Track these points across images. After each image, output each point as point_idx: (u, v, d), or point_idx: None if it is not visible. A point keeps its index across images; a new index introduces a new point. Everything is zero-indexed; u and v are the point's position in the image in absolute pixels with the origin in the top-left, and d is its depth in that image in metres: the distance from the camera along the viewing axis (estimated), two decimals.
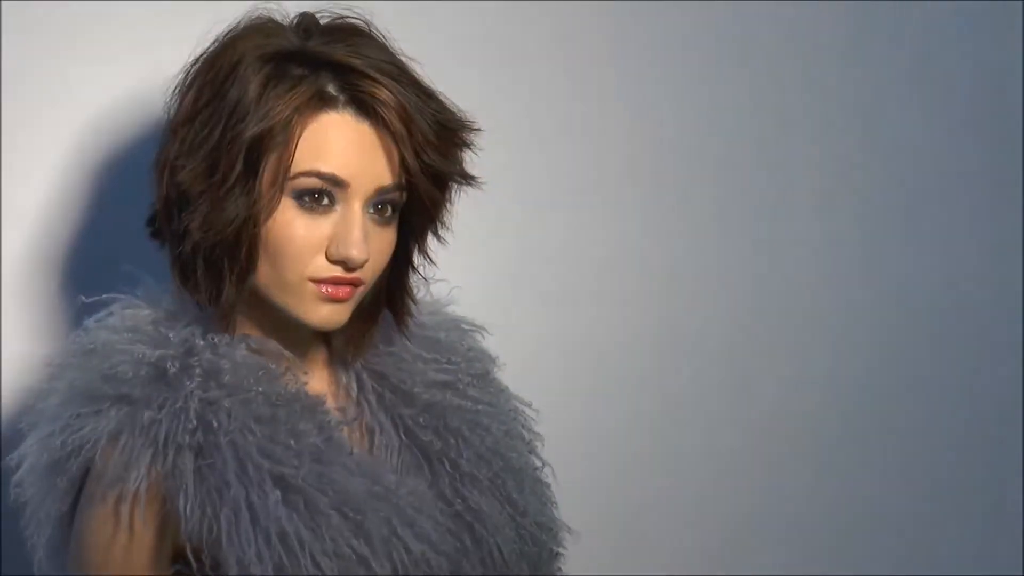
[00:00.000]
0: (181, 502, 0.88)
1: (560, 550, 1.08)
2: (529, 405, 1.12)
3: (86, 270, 1.22)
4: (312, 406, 0.97)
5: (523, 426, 1.11)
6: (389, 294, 1.03)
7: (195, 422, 0.90)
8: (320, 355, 1.03)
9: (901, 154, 1.95)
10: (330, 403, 1.01)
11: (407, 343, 1.07)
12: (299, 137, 0.91)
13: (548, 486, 1.09)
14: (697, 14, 1.69)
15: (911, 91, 1.93)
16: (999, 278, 2.02)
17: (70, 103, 1.25)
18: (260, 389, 0.94)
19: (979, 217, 2.00)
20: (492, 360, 1.14)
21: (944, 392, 1.88)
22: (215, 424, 0.90)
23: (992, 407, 1.92)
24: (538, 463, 1.10)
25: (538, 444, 1.11)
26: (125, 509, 0.89)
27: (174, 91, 0.95)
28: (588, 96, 1.60)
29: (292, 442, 0.92)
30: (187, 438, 0.89)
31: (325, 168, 0.92)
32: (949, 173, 1.97)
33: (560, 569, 1.08)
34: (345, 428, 0.99)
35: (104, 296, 0.99)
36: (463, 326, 1.14)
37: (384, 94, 0.91)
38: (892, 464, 1.90)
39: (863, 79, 1.86)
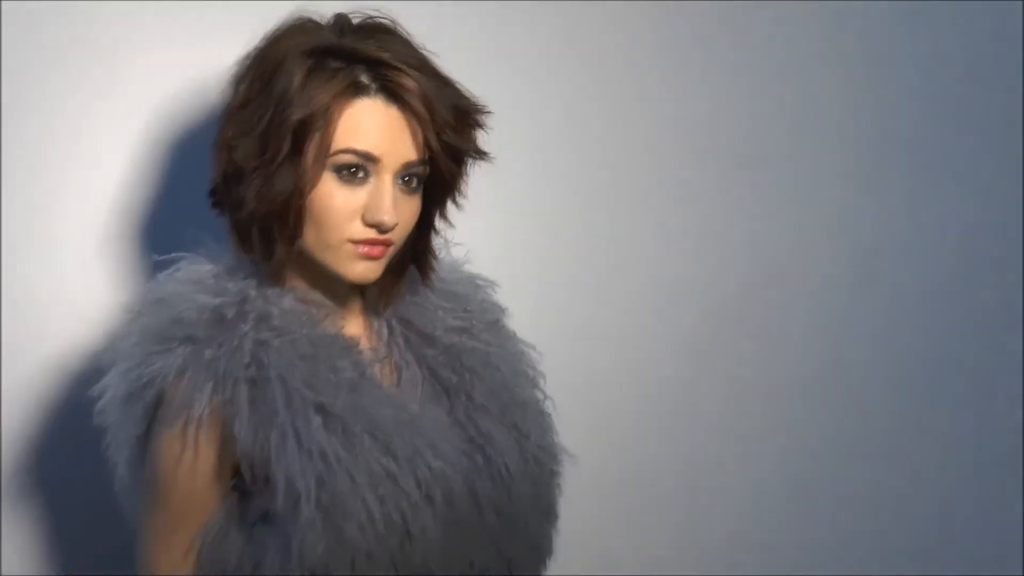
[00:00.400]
0: (237, 426, 0.98)
1: (558, 469, 1.18)
2: (533, 348, 1.22)
3: (158, 234, 1.34)
4: (348, 347, 1.06)
5: (528, 366, 1.21)
6: (415, 253, 1.12)
7: (249, 359, 1.00)
8: (356, 304, 1.13)
9: (909, 155, 1.96)
10: (364, 345, 1.10)
11: (429, 294, 1.17)
12: (337, 120, 1.00)
13: (549, 416, 1.19)
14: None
15: (912, 88, 1.93)
16: (1000, 279, 2.01)
17: (144, 92, 1.37)
18: (304, 332, 1.04)
19: (980, 217, 2.00)
20: (502, 310, 1.24)
21: (946, 392, 1.90)
22: (265, 361, 1.00)
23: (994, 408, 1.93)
24: (540, 396, 1.20)
25: (540, 381, 1.22)
26: (191, 432, 0.99)
27: (229, 82, 1.05)
28: (591, 80, 1.68)
29: (331, 376, 1.02)
30: (242, 372, 0.99)
31: (360, 146, 1.01)
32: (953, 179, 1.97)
33: (559, 486, 1.18)
34: (376, 365, 1.09)
35: (173, 255, 1.10)
36: (477, 282, 1.24)
37: (409, 83, 1.00)
38: (894, 461, 1.90)
39: (873, 79, 1.90)
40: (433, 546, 1.05)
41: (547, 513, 1.16)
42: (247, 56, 1.05)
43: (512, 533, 1.11)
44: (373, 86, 1.02)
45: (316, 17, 1.06)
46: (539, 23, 1.62)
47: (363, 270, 1.05)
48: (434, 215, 1.12)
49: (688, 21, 1.72)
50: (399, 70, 1.02)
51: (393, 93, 1.02)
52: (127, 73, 1.37)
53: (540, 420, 1.19)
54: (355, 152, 1.02)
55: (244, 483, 1.03)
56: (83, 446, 1.19)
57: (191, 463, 1.02)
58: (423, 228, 1.12)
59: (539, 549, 1.17)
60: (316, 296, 1.09)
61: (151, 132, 1.37)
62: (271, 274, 1.06)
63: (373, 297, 1.14)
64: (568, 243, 1.62)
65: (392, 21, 1.06)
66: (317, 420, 1.00)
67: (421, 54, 1.06)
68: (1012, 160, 1.98)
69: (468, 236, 1.21)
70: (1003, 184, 2.00)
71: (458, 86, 1.07)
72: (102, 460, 1.17)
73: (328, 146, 1.01)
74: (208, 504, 1.05)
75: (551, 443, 1.19)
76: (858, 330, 1.87)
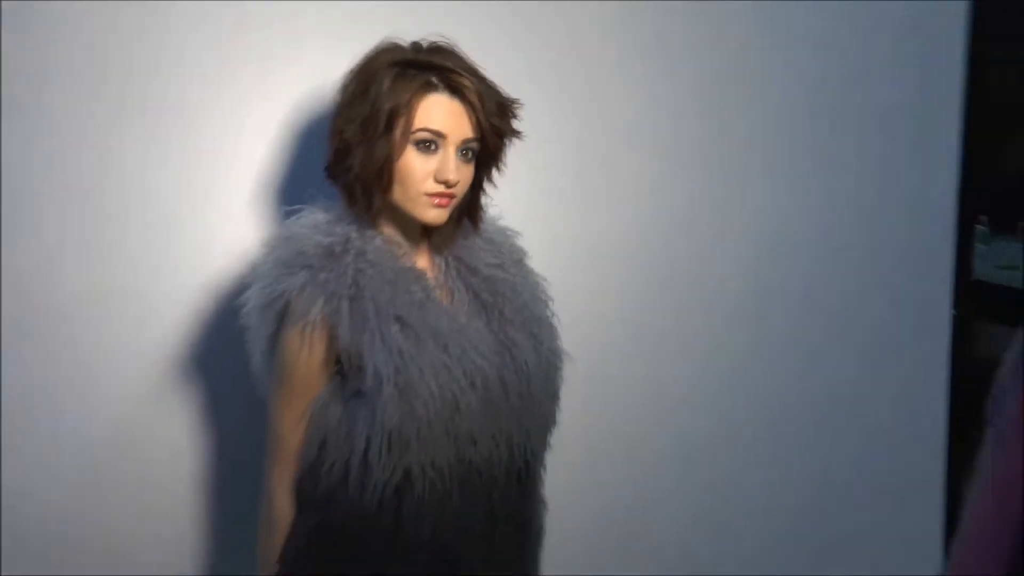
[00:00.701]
0: (340, 330, 1.30)
1: (560, 366, 1.49)
2: (545, 280, 1.54)
3: (289, 192, 1.69)
4: (419, 276, 1.38)
5: (541, 292, 1.52)
6: (468, 209, 1.45)
7: (350, 282, 1.31)
8: (424, 245, 1.44)
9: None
10: (429, 275, 1.41)
11: (476, 239, 1.48)
12: (416, 109, 1.33)
13: (556, 328, 1.50)
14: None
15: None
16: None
17: (284, 92, 1.72)
18: (388, 264, 1.36)
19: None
20: (524, 253, 1.54)
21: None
22: (361, 284, 1.32)
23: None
24: (550, 314, 1.51)
25: (550, 303, 1.52)
26: (307, 332, 1.30)
27: (338, 89, 1.39)
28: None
29: (406, 297, 1.34)
30: (345, 292, 1.31)
31: (432, 126, 1.33)
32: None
33: (561, 379, 1.49)
34: (437, 290, 1.40)
35: (297, 207, 1.43)
36: (507, 232, 1.55)
37: (466, 83, 1.34)
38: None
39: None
40: (474, 418, 1.35)
41: (554, 396, 1.47)
42: (350, 70, 1.39)
43: (529, 410, 1.41)
44: (440, 84, 1.34)
45: (398, 42, 1.39)
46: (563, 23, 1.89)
47: (435, 215, 1.37)
48: (483, 180, 1.44)
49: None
50: (458, 74, 1.34)
51: (455, 89, 1.34)
52: (273, 76, 1.72)
53: (550, 331, 1.49)
54: (429, 131, 1.34)
55: (343, 370, 1.34)
56: (233, 341, 1.54)
57: (307, 354, 1.32)
58: (475, 190, 1.44)
59: (547, 422, 1.48)
60: (398, 238, 1.40)
61: (288, 121, 1.72)
62: (368, 221, 1.37)
63: (437, 240, 1.45)
64: (575, 200, 1.93)
65: (451, 43, 1.39)
66: (396, 327, 1.32)
67: (472, 65, 1.38)
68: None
69: (500, 199, 1.53)
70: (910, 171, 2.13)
71: (498, 87, 1.39)
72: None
73: (410, 127, 1.33)
74: (317, 384, 1.35)
75: (557, 347, 1.49)
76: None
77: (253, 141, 1.73)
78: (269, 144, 1.73)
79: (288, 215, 1.45)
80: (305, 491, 1.38)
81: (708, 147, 2.01)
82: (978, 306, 2.13)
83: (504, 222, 1.58)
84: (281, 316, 1.34)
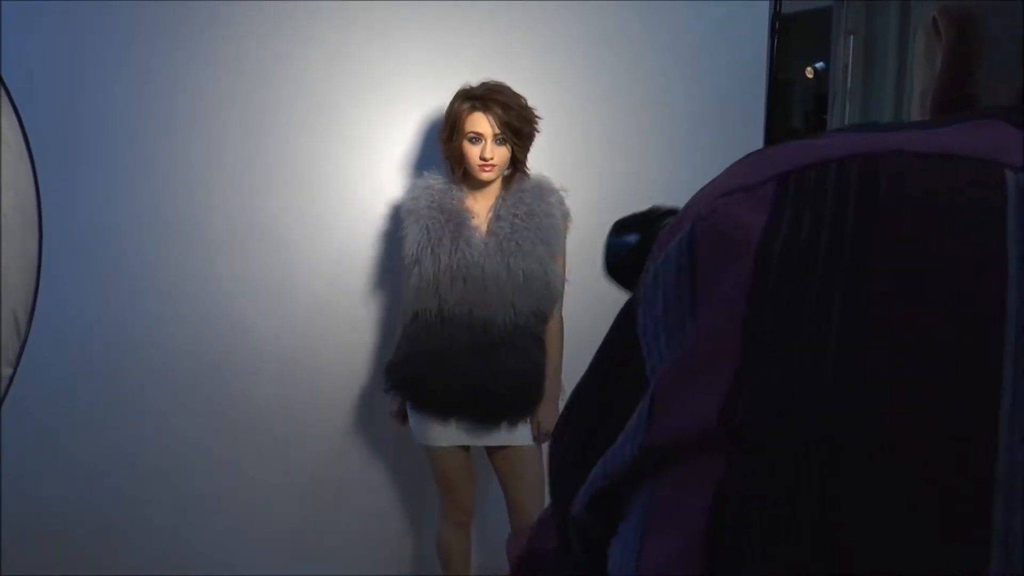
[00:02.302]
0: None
1: (529, 279, 2.58)
2: (553, 228, 2.64)
3: (423, 164, 2.92)
4: (470, 213, 2.63)
5: (540, 238, 2.60)
6: (509, 177, 2.67)
7: (438, 213, 2.64)
8: (485, 194, 2.67)
9: None
10: (478, 213, 2.65)
11: (509, 197, 2.64)
12: (466, 120, 2.54)
13: (539, 258, 2.61)
14: None
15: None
16: None
17: (418, 101, 2.91)
18: (452, 205, 2.64)
19: None
20: (551, 204, 2.65)
21: None
22: (439, 212, 2.65)
23: None
24: (543, 248, 2.62)
25: (540, 244, 2.59)
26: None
27: (447, 110, 2.63)
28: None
29: (456, 225, 2.63)
30: (433, 216, 2.62)
31: (476, 130, 2.56)
32: None
33: (527, 284, 2.56)
34: (477, 221, 2.64)
35: (430, 172, 2.72)
36: (542, 188, 2.67)
37: (491, 103, 2.56)
38: None
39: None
40: (474, 287, 2.55)
41: (514, 291, 2.57)
42: (450, 104, 2.65)
43: (488, 293, 2.55)
44: (479, 105, 2.58)
45: (470, 84, 2.61)
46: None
47: (487, 175, 2.60)
48: (518, 159, 2.66)
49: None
50: (488, 99, 2.59)
51: (486, 108, 2.57)
52: (409, 85, 2.89)
53: (526, 259, 2.57)
54: (474, 131, 2.53)
55: None
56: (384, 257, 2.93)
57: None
58: (515, 162, 2.66)
59: (513, 305, 2.55)
60: (468, 191, 2.67)
61: (422, 127, 2.95)
62: (456, 181, 2.64)
63: (492, 191, 2.68)
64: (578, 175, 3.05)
65: (498, 82, 2.62)
66: (448, 236, 2.57)
67: (507, 89, 2.59)
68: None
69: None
70: None
71: (523, 101, 2.60)
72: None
73: (464, 130, 2.53)
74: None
75: (531, 270, 2.56)
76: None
77: (390, 140, 2.97)
78: (403, 144, 2.97)
79: (420, 174, 2.78)
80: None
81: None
82: None
83: (553, 182, 2.68)
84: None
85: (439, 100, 2.80)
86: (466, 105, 2.56)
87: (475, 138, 2.56)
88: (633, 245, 0.88)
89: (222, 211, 2.82)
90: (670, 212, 0.89)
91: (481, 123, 2.56)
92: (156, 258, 2.81)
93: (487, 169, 2.58)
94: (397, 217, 2.79)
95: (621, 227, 0.91)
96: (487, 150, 2.55)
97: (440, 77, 2.84)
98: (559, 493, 0.58)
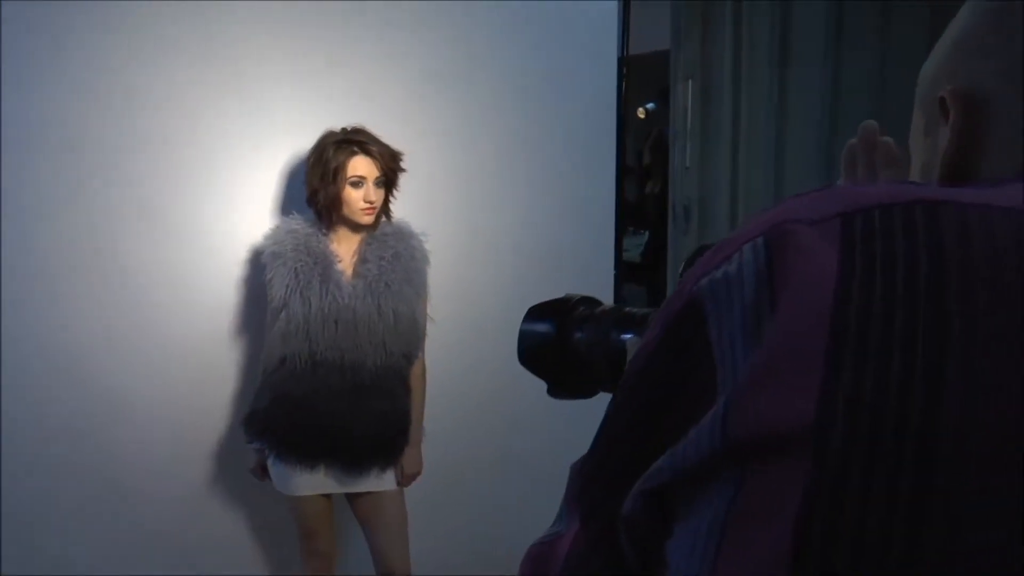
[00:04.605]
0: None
1: (399, 321, 2.60)
2: (426, 270, 2.71)
3: (291, 208, 2.89)
4: (336, 257, 2.62)
5: (414, 284, 2.66)
6: (378, 218, 2.68)
7: (306, 256, 2.59)
8: (350, 242, 2.67)
9: None
10: (343, 257, 2.63)
11: (376, 238, 2.66)
12: (349, 164, 2.59)
13: (409, 299, 2.64)
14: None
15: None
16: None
17: (284, 149, 2.97)
18: (319, 248, 2.60)
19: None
20: (414, 248, 2.69)
21: None
22: (306, 255, 2.59)
23: None
24: (411, 291, 2.65)
25: (407, 286, 2.62)
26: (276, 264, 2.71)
27: (308, 157, 2.63)
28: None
29: (324, 268, 2.59)
30: (300, 259, 2.63)
31: (359, 173, 2.60)
32: None
33: (398, 325, 2.60)
34: (343, 264, 2.62)
35: (293, 214, 2.70)
36: (404, 232, 2.70)
37: (373, 148, 2.61)
38: None
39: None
40: (345, 330, 2.55)
41: (385, 331, 2.59)
42: (313, 147, 2.63)
43: (358, 335, 2.59)
44: (359, 149, 2.61)
45: (335, 129, 2.65)
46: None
47: (367, 219, 2.60)
48: (388, 199, 2.68)
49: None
50: (368, 143, 2.61)
51: (367, 152, 2.61)
52: (272, 129, 2.90)
53: (395, 300, 2.60)
54: (356, 175, 2.60)
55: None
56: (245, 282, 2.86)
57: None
58: (384, 203, 2.67)
59: (385, 346, 2.58)
60: (334, 235, 2.65)
61: (288, 170, 2.91)
62: (326, 227, 2.62)
63: (362, 241, 2.67)
64: (457, 217, 3.10)
65: (363, 126, 2.64)
66: (317, 279, 2.56)
67: (374, 136, 2.62)
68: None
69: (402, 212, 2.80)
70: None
71: (391, 147, 2.63)
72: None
73: (345, 175, 2.58)
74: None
75: (400, 311, 2.61)
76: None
77: (271, 179, 2.95)
78: (280, 186, 2.95)
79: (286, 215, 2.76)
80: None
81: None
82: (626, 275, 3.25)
83: (412, 225, 2.74)
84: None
85: (302, 144, 2.80)
86: (346, 150, 2.58)
87: (357, 182, 2.58)
88: (546, 334, 0.89)
89: (72, 255, 2.70)
90: (584, 301, 0.92)
91: (364, 166, 2.59)
92: None
93: (369, 212, 2.60)
94: (258, 262, 2.74)
95: (534, 315, 0.92)
96: (370, 193, 2.58)
97: (299, 123, 2.86)
98: (595, 504, 0.59)
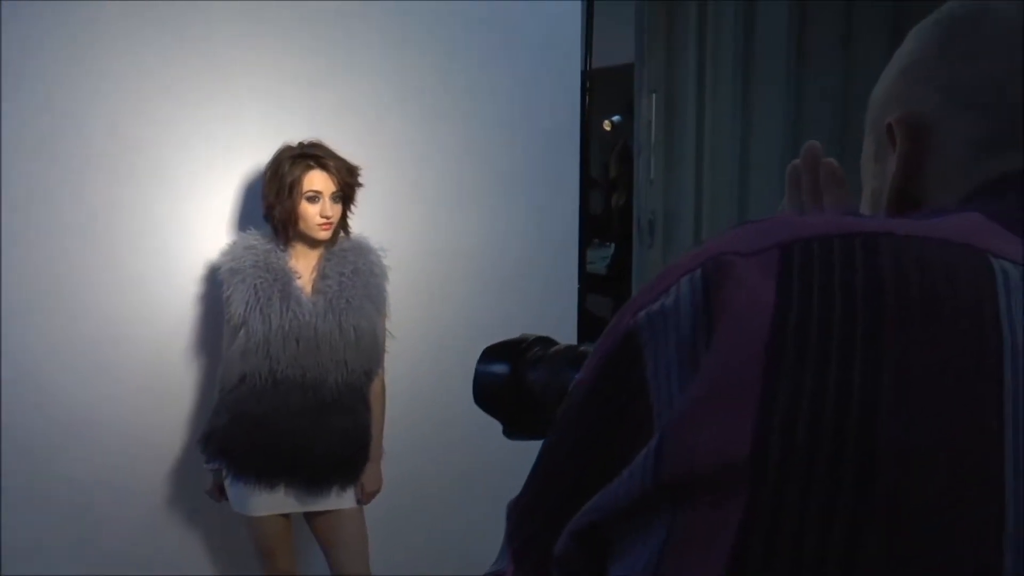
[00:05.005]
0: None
1: (359, 336, 2.57)
2: (385, 286, 2.67)
3: (245, 223, 2.84)
4: (295, 273, 2.57)
5: (374, 299, 2.63)
6: (331, 235, 2.64)
7: (265, 273, 2.54)
8: (309, 258, 2.64)
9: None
10: (303, 273, 2.60)
11: (336, 253, 2.63)
12: (304, 179, 2.56)
13: (369, 316, 2.61)
14: None
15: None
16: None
17: (241, 165, 2.86)
18: (280, 264, 2.56)
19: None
20: (373, 264, 2.66)
21: None
22: (265, 272, 2.53)
23: None
24: (371, 307, 2.61)
25: (367, 302, 2.61)
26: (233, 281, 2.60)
27: (265, 172, 2.59)
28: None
29: (283, 281, 2.56)
30: (260, 275, 2.53)
31: (315, 188, 2.56)
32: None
33: (359, 341, 2.56)
34: (302, 281, 2.59)
35: (250, 230, 2.65)
36: (363, 247, 2.67)
37: (329, 163, 2.57)
38: None
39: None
40: (307, 347, 2.51)
41: (344, 348, 2.55)
42: (269, 162, 2.59)
43: (320, 353, 2.54)
44: (315, 164, 2.57)
45: (292, 143, 2.61)
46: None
47: (324, 234, 2.57)
48: (344, 215, 2.66)
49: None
50: (324, 158, 2.58)
51: (324, 166, 2.58)
52: (228, 146, 2.86)
53: (356, 316, 2.57)
54: (312, 190, 2.56)
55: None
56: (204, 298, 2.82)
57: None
58: (343, 220, 2.66)
59: (346, 363, 2.55)
60: (295, 252, 2.61)
61: (247, 184, 2.87)
62: (281, 243, 2.58)
63: (321, 256, 2.64)
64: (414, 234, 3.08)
65: (319, 140, 2.61)
66: (277, 296, 2.52)
67: (332, 151, 2.59)
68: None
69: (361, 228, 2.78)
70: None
71: (349, 161, 2.60)
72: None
73: (301, 189, 2.55)
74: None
75: (361, 326, 2.58)
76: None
77: (228, 194, 2.90)
78: (240, 199, 2.90)
79: (243, 229, 2.71)
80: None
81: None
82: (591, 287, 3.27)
83: (371, 240, 2.71)
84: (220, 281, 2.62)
85: (258, 158, 2.78)
86: (302, 164, 2.55)
87: (314, 197, 2.55)
88: (500, 375, 0.89)
89: (23, 272, 2.64)
90: (539, 341, 0.91)
91: (320, 181, 2.56)
92: None
93: (325, 227, 2.57)
94: (214, 279, 2.70)
95: (490, 355, 0.91)
96: (326, 208, 2.55)
97: (255, 138, 2.82)
98: (528, 543, 0.58)
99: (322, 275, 2.61)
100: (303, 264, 2.63)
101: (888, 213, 0.65)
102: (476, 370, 0.89)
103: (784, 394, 0.45)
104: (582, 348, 0.87)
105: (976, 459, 0.44)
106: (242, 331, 2.52)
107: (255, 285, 2.52)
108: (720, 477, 0.45)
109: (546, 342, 0.90)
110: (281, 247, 2.60)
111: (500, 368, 0.88)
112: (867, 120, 0.70)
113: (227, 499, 2.65)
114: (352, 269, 2.63)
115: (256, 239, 2.61)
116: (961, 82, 0.61)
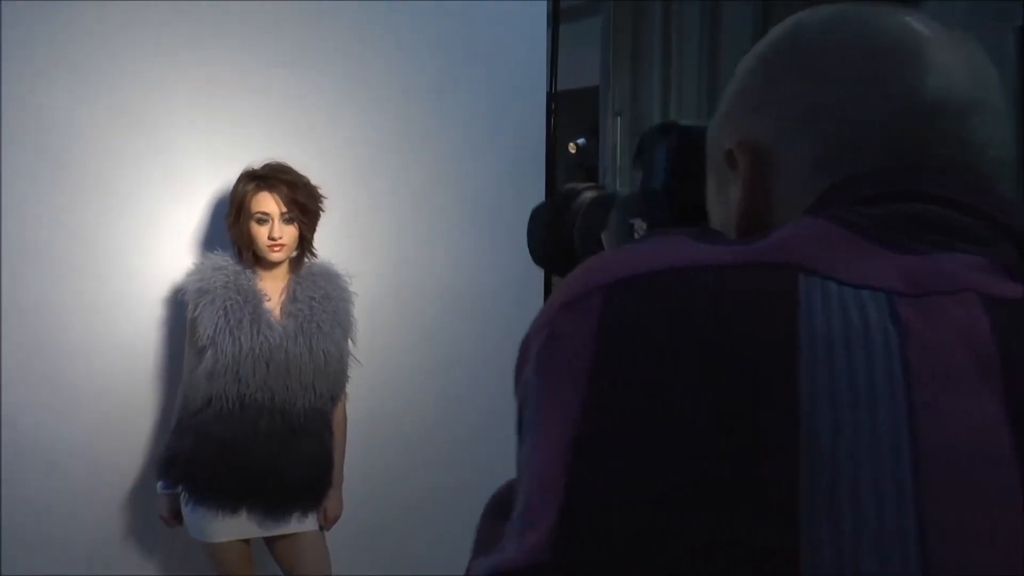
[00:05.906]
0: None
1: (329, 362, 2.56)
2: (352, 308, 2.67)
3: (212, 244, 2.85)
4: (263, 295, 2.56)
5: (335, 317, 2.60)
6: (297, 258, 2.63)
7: (235, 294, 2.50)
8: (275, 279, 2.62)
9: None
10: (271, 295, 2.57)
11: (303, 277, 2.62)
12: (252, 200, 2.53)
13: (337, 340, 2.59)
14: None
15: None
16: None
17: (209, 187, 2.89)
18: (247, 284, 2.53)
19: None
20: (342, 289, 2.65)
21: None
22: (236, 293, 2.50)
23: None
24: (339, 331, 2.60)
25: (338, 328, 2.60)
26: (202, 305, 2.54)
27: (232, 195, 2.58)
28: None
29: (251, 304, 2.53)
30: (230, 296, 2.49)
31: (262, 209, 2.53)
32: None
33: (328, 367, 2.56)
34: (271, 304, 2.57)
35: (218, 251, 2.61)
36: (331, 273, 2.66)
37: (275, 182, 2.53)
38: None
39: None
40: (276, 371, 2.48)
41: (315, 373, 2.53)
42: (234, 186, 2.59)
43: (288, 375, 2.51)
44: (263, 185, 2.54)
45: (254, 164, 2.58)
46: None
47: (276, 256, 2.55)
48: (306, 238, 2.63)
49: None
50: (272, 179, 2.55)
51: (272, 187, 2.54)
52: (196, 165, 2.84)
53: (326, 341, 2.56)
54: (261, 212, 2.53)
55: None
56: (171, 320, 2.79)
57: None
58: (302, 245, 2.63)
59: (314, 387, 2.53)
60: (259, 273, 2.59)
61: (214, 207, 2.86)
62: (243, 263, 2.55)
63: (287, 278, 2.63)
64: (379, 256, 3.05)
65: (280, 163, 2.58)
66: (248, 318, 2.49)
67: (290, 168, 2.56)
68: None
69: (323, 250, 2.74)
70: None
71: (304, 178, 2.57)
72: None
73: (251, 211, 2.52)
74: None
75: (330, 350, 2.57)
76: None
77: (199, 215, 2.87)
78: (203, 221, 2.87)
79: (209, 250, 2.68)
80: None
81: None
82: None
83: (336, 264, 2.71)
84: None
85: (225, 179, 2.76)
86: (251, 186, 2.54)
87: (262, 218, 2.53)
88: (548, 221, 0.97)
89: None
90: (590, 189, 0.97)
91: (268, 203, 2.54)
92: None
93: (276, 249, 2.55)
94: (178, 300, 2.67)
95: (537, 211, 1.01)
96: (275, 229, 2.54)
97: (226, 157, 2.79)
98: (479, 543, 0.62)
99: (292, 298, 2.60)
100: (271, 286, 2.62)
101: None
102: (528, 227, 1.00)
103: (582, 492, 0.47)
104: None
105: (773, 500, 0.44)
106: (210, 352, 2.48)
107: (225, 306, 2.48)
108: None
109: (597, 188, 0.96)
110: (249, 269, 2.58)
111: (546, 218, 0.96)
112: (707, 158, 0.71)
113: (182, 525, 2.60)
114: (323, 294, 2.61)
115: (225, 260, 2.59)
116: (794, 106, 0.62)
